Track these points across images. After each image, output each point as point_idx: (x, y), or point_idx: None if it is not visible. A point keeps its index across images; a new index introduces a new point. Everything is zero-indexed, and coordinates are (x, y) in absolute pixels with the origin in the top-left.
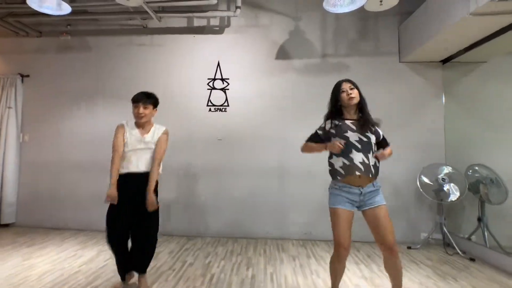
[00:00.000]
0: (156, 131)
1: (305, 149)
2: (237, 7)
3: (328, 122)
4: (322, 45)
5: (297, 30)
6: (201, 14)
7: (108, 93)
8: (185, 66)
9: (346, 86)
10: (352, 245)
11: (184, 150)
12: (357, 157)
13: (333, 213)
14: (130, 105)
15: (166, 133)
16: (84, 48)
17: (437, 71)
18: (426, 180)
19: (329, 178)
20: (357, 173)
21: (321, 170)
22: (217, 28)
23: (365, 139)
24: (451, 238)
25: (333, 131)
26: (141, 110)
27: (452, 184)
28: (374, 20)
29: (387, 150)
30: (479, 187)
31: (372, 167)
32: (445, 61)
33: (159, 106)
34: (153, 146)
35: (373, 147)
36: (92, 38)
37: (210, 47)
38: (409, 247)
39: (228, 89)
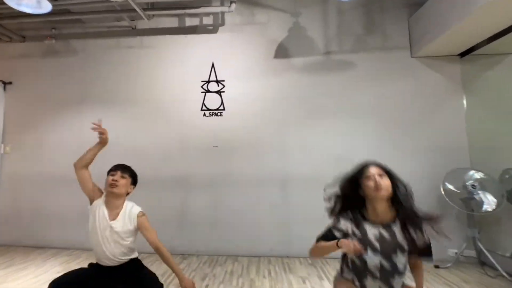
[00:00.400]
0: (127, 215)
1: (314, 252)
2: (231, 2)
3: (346, 221)
4: (324, 42)
5: (297, 26)
6: (193, 11)
7: (96, 99)
8: (177, 68)
9: (373, 172)
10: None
11: (177, 159)
12: (371, 285)
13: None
14: (118, 112)
15: (143, 215)
16: (70, 52)
17: (454, 65)
18: (451, 187)
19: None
20: None
21: (328, 176)
22: (211, 27)
23: (388, 266)
24: (489, 256)
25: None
26: (117, 177)
27: (484, 192)
28: (380, 13)
29: None
30: None
31: None
32: (463, 54)
33: (150, 114)
34: (124, 240)
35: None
36: (78, 41)
37: (203, 47)
38: (436, 266)
39: (223, 91)
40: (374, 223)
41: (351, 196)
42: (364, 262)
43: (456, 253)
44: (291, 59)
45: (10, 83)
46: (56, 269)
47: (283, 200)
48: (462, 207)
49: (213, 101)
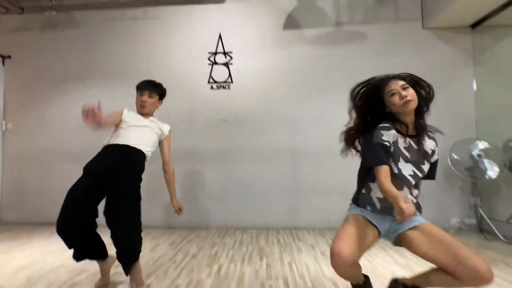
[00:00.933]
0: (157, 123)
1: (385, 184)
2: None
3: (390, 132)
4: (335, 12)
5: None
6: None
7: (99, 74)
8: (183, 40)
9: (396, 86)
10: None
11: (185, 132)
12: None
13: (346, 219)
14: (123, 86)
15: (170, 132)
16: (71, 25)
17: (466, 37)
18: (456, 157)
19: (348, 161)
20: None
21: (338, 149)
22: None
23: (419, 173)
24: (488, 221)
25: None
26: (145, 98)
27: (489, 161)
28: None
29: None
30: None
31: (415, 204)
32: (475, 25)
33: None
34: (154, 130)
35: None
36: (80, 13)
37: (210, 18)
38: None
39: (231, 63)
40: (403, 135)
41: (376, 114)
42: (398, 171)
43: (457, 221)
44: (300, 30)
45: (9, 57)
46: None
47: (292, 173)
48: (467, 176)
49: (220, 73)
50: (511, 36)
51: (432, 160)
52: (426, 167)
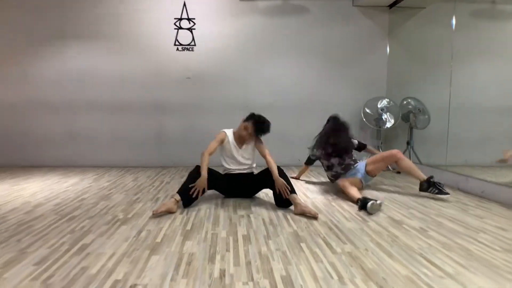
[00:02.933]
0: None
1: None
2: None
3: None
4: None
5: None
6: None
7: (77, 34)
8: (151, 6)
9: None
10: None
11: (154, 87)
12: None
13: None
14: (98, 45)
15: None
16: None
17: (384, 15)
18: (368, 111)
19: (290, 112)
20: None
21: (283, 102)
22: None
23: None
24: None
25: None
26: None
27: (388, 114)
28: None
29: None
30: (409, 116)
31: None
32: (392, 5)
33: (128, 47)
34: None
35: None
36: None
37: None
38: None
39: (194, 29)
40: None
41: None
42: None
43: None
44: (255, 2)
45: None
46: (58, 177)
47: None
48: (374, 125)
49: (185, 37)
50: (417, 17)
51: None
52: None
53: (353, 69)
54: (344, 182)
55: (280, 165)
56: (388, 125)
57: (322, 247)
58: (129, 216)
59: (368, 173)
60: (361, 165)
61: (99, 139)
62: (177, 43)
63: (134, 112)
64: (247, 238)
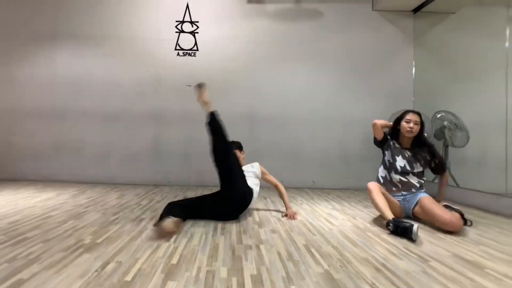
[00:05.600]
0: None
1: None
2: None
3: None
4: None
5: None
6: None
7: (70, 35)
8: (151, 7)
9: (413, 118)
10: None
11: (151, 95)
12: (395, 177)
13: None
14: (92, 48)
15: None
16: None
17: (408, 20)
18: None
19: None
20: (394, 188)
21: (293, 115)
22: None
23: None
24: None
25: (390, 145)
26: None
27: None
28: None
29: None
30: (444, 133)
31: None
32: (416, 10)
33: (123, 51)
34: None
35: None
36: None
37: None
38: None
39: (197, 32)
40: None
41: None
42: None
43: None
44: (263, 5)
45: None
46: (31, 191)
47: (250, 136)
48: None
49: (187, 41)
50: (445, 22)
51: (428, 163)
52: (417, 167)
53: (374, 79)
54: (380, 191)
55: (292, 188)
56: None
57: None
58: (98, 241)
59: (413, 213)
60: (419, 196)
61: (86, 151)
62: (178, 47)
63: (127, 122)
64: (257, 281)
